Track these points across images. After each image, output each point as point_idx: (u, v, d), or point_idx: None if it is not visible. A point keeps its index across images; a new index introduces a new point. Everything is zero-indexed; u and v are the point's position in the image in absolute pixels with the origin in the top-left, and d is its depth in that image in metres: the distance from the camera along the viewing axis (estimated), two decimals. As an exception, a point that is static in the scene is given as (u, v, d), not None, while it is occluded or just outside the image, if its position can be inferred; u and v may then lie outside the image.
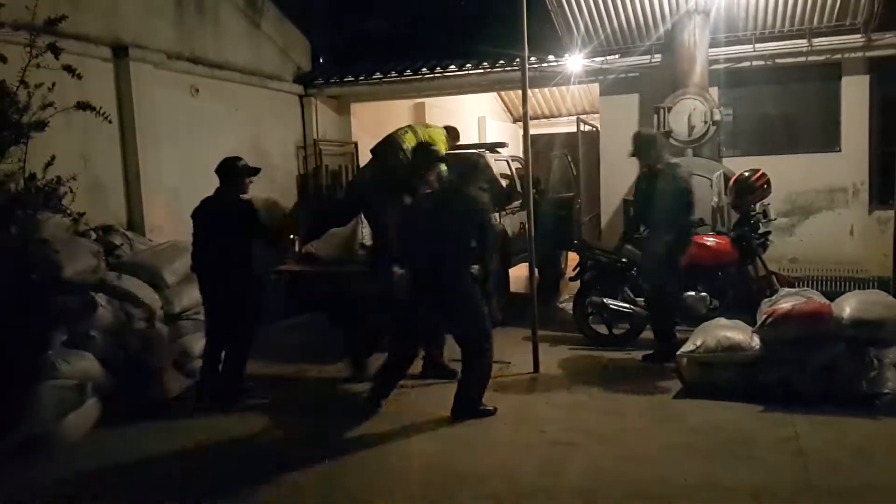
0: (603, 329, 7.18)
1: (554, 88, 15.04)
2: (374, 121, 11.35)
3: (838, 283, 8.46)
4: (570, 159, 9.83)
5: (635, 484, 4.12)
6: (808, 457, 4.36)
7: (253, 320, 5.84)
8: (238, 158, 5.90)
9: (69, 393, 5.18)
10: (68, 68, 5.46)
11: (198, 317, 6.50)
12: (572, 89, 14.10)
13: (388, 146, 8.14)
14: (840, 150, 8.61)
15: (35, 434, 4.85)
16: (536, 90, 15.14)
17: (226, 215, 5.67)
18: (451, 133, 8.39)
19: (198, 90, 8.06)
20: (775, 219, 7.47)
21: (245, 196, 5.85)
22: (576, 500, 3.96)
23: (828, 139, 8.69)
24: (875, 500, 3.83)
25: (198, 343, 6.45)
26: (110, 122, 6.04)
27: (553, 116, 16.84)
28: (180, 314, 6.39)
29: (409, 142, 8.25)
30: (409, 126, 8.44)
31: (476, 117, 15.40)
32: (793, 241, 8.78)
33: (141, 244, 6.82)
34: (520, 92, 15.26)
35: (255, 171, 5.96)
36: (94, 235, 6.52)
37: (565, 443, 4.76)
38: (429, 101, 12.48)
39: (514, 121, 17.75)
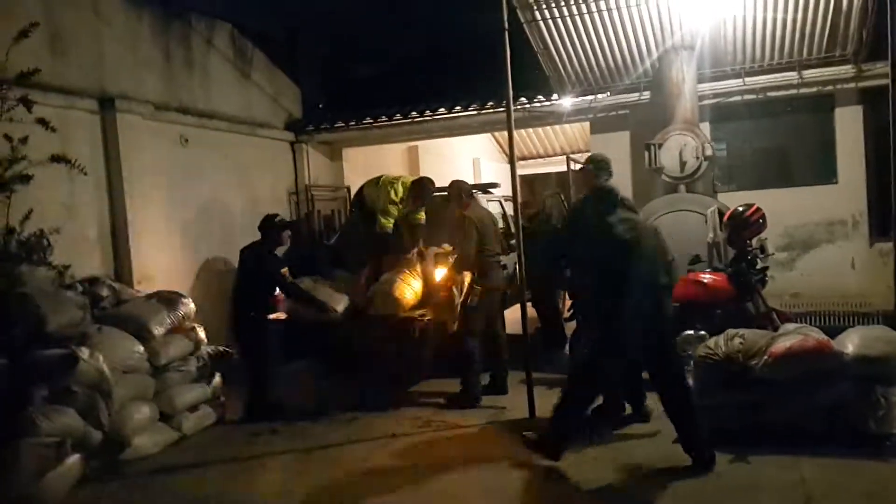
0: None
1: (548, 128, 15.19)
2: (367, 165, 11.32)
3: (842, 318, 8.29)
4: (563, 198, 9.75)
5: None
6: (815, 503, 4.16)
7: (259, 362, 6.46)
8: (275, 215, 6.69)
9: (48, 451, 5.01)
10: (42, 121, 5.42)
11: (185, 368, 6.41)
12: (566, 128, 14.21)
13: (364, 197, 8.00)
14: (837, 182, 8.52)
15: (13, 496, 4.67)
16: (530, 130, 15.20)
17: (253, 265, 6.47)
18: (420, 184, 8.04)
19: (187, 140, 8.00)
20: (773, 253, 7.35)
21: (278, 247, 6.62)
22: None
23: (824, 171, 8.61)
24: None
25: (186, 394, 6.34)
26: (85, 174, 6.07)
27: (548, 156, 16.84)
28: (167, 365, 6.24)
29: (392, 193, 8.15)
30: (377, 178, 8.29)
31: (471, 159, 15.39)
32: (793, 276, 8.65)
33: (128, 295, 6.68)
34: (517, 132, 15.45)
35: (291, 224, 7.00)
36: (80, 288, 6.40)
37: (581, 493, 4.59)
38: (422, 145, 12.47)
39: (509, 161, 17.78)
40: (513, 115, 6.59)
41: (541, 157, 16.95)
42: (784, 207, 8.52)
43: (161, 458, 5.72)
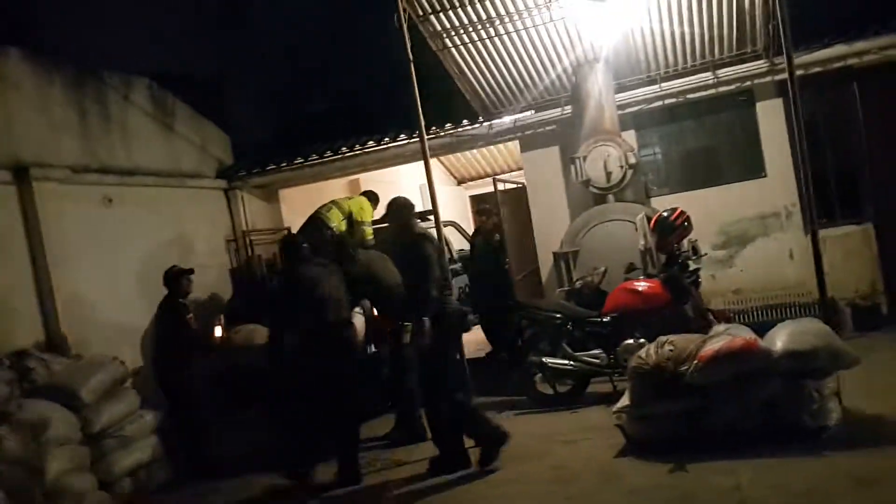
0: (548, 389, 6.98)
1: (492, 147, 15.25)
2: (306, 203, 11.17)
3: (786, 310, 8.34)
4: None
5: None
6: (749, 508, 4.15)
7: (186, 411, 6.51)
8: (172, 267, 6.76)
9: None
10: None
11: (121, 433, 6.27)
12: (509, 146, 14.18)
13: (312, 226, 8.07)
14: (766, 175, 8.61)
15: None
16: (474, 151, 15.21)
17: (160, 316, 6.67)
18: (371, 198, 8.39)
19: (111, 199, 7.85)
20: (706, 254, 7.42)
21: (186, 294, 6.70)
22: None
23: (752, 166, 8.69)
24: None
25: (124, 460, 6.20)
26: None
27: (496, 174, 16.88)
28: (101, 432, 6.10)
29: (334, 218, 8.21)
30: (331, 202, 8.42)
31: (417, 185, 15.37)
32: (734, 273, 8.69)
33: (58, 364, 6.52)
34: (458, 155, 15.44)
35: (187, 271, 6.76)
36: (6, 363, 6.24)
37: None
38: (364, 176, 12.41)
39: (458, 183, 17.81)
40: (427, 143, 6.83)
41: (488, 175, 17.00)
42: (717, 205, 8.61)
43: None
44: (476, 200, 16.54)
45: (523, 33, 7.70)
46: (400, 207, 5.85)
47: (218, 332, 7.97)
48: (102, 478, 6.01)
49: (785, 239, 8.57)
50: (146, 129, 8.75)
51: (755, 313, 8.52)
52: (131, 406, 6.45)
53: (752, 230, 8.67)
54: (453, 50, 7.79)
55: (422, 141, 6.15)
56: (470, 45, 7.74)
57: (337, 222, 8.24)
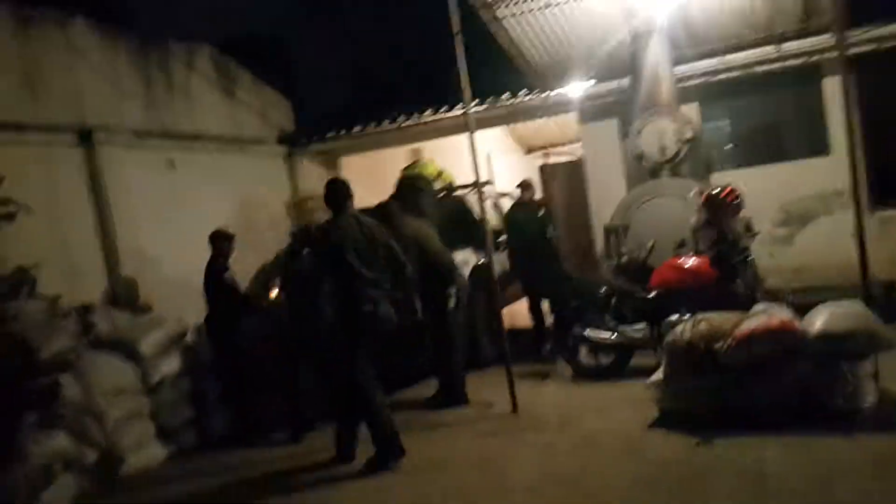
0: (590, 361, 7.01)
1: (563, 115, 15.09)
2: (366, 170, 11.39)
3: (845, 290, 8.08)
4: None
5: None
6: (767, 486, 4.13)
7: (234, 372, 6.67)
8: (216, 229, 6.82)
9: (36, 475, 5.28)
10: None
11: (181, 386, 6.65)
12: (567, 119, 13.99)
13: (410, 184, 8.24)
14: (830, 153, 8.32)
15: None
16: (546, 119, 15.06)
17: (206, 278, 6.69)
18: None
19: (174, 163, 8.20)
20: (758, 232, 7.24)
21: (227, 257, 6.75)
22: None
23: (816, 143, 8.42)
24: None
25: (182, 411, 6.57)
26: (32, 212, 6.24)
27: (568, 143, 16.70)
28: (160, 384, 6.46)
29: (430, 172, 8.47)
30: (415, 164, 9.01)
31: (484, 154, 15.35)
32: (794, 251, 8.48)
33: (121, 319, 6.91)
34: (528, 124, 15.37)
35: (229, 235, 6.85)
36: (74, 316, 6.64)
37: (523, 488, 4.62)
38: (428, 144, 12.49)
39: (527, 152, 17.71)
40: (481, 113, 6.76)
41: (556, 145, 16.85)
42: (779, 182, 8.40)
43: (159, 472, 6.00)
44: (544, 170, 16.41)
45: (577, 3, 7.60)
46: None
47: (274, 293, 8.22)
48: (163, 426, 6.41)
49: (847, 219, 8.24)
50: (208, 95, 9.06)
51: (814, 293, 8.27)
52: (189, 361, 6.80)
53: (813, 209, 8.42)
54: (504, 21, 7.75)
55: (466, 114, 6.19)
56: (521, 16, 7.69)
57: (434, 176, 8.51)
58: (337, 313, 5.46)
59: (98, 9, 7.66)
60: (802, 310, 5.36)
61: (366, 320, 5.29)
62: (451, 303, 6.76)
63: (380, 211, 7.24)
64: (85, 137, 7.25)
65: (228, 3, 9.85)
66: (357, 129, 9.87)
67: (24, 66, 6.85)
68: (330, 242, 5.43)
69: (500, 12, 7.65)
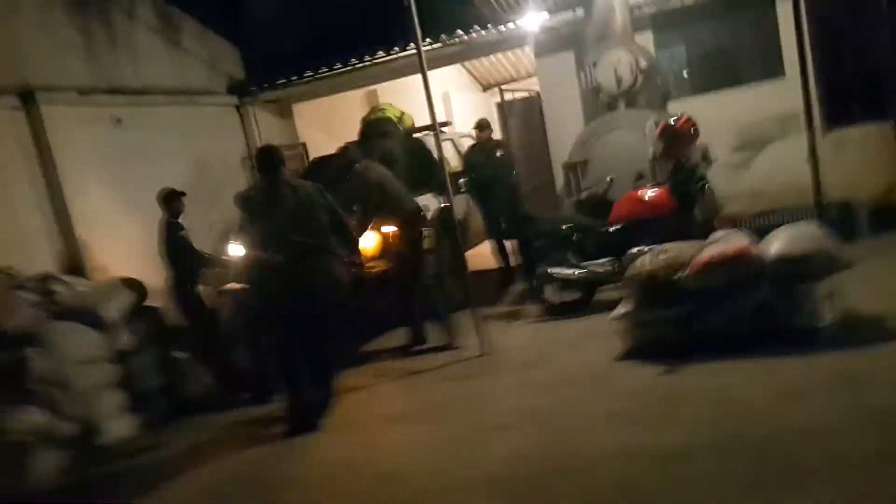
0: (556, 298, 7.07)
1: (517, 50, 14.89)
2: (321, 117, 11.22)
3: (802, 212, 8.22)
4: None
5: (554, 460, 4.06)
6: (734, 407, 4.25)
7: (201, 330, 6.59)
8: (164, 188, 6.63)
9: (13, 452, 5.23)
10: None
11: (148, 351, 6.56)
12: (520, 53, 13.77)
13: (377, 129, 8.19)
14: (785, 76, 8.33)
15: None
16: (499, 55, 14.85)
17: (163, 239, 6.52)
18: None
19: (120, 120, 7.91)
20: (716, 159, 7.29)
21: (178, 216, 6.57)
22: (492, 491, 3.88)
23: (771, 66, 8.41)
24: (788, 443, 3.69)
25: (153, 377, 6.49)
26: None
27: (522, 78, 16.54)
28: (128, 351, 6.38)
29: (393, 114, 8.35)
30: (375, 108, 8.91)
31: (439, 93, 15.15)
32: (750, 176, 8.53)
33: (81, 286, 6.75)
34: (484, 60, 15.01)
35: (179, 193, 6.65)
36: (31, 286, 6.48)
37: (497, 426, 4.70)
38: (382, 86, 12.26)
39: (484, 89, 17.52)
40: (435, 52, 6.62)
41: (514, 80, 16.68)
42: (735, 107, 8.40)
43: (135, 440, 5.94)
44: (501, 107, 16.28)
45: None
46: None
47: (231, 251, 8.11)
48: (135, 393, 6.32)
49: (803, 141, 8.34)
50: (153, 46, 8.71)
51: (772, 217, 8.40)
52: (155, 325, 6.70)
53: (770, 132, 8.45)
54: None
55: (419, 52, 6.15)
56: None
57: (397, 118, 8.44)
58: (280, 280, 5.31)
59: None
60: (761, 234, 5.46)
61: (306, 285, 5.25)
62: (426, 243, 6.71)
63: (340, 157, 7.14)
64: (27, 98, 6.95)
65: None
66: (308, 74, 9.62)
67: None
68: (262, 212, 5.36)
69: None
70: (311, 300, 5.28)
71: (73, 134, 7.30)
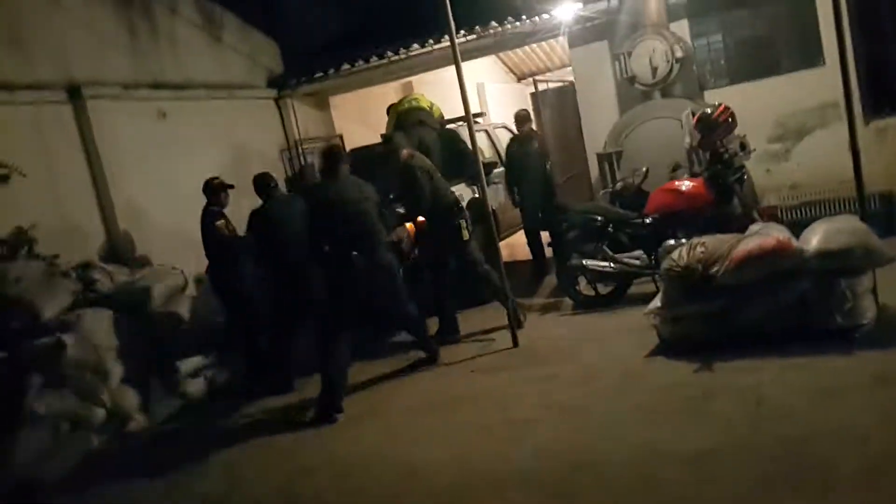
0: (589, 291, 7.06)
1: (552, 41, 14.81)
2: (357, 109, 11.33)
3: (843, 204, 8.08)
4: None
5: (581, 455, 4.08)
6: (765, 406, 4.22)
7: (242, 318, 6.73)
8: (212, 178, 6.80)
9: (44, 434, 5.41)
10: None
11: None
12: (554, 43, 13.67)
13: (411, 119, 8.34)
14: (825, 64, 8.17)
15: (16, 480, 5.05)
16: (534, 46, 14.79)
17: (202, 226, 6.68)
18: None
19: (164, 114, 8.09)
20: (754, 149, 7.18)
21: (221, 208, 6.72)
22: (518, 485, 3.93)
23: (810, 55, 8.25)
24: (822, 445, 3.65)
25: (186, 363, 6.65)
26: (24, 175, 6.27)
27: (557, 68, 16.44)
28: (164, 337, 6.54)
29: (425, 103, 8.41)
30: (408, 99, 8.92)
31: (474, 83, 15.13)
32: (790, 167, 8.41)
33: (121, 274, 6.94)
34: (518, 51, 14.93)
35: (227, 185, 6.79)
36: (73, 274, 6.67)
37: (525, 420, 4.74)
38: (416, 78, 12.30)
39: (519, 79, 17.45)
40: (468, 44, 6.62)
41: (549, 70, 16.59)
42: (774, 97, 8.27)
43: (167, 427, 6.10)
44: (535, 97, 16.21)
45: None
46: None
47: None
48: (169, 380, 6.50)
49: (843, 130, 8.17)
50: (196, 41, 8.88)
51: (812, 209, 8.28)
52: (192, 312, 6.87)
53: (809, 122, 8.31)
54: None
55: (453, 45, 6.15)
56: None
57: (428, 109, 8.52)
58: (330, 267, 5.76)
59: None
60: (801, 227, 5.38)
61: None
62: (465, 234, 6.75)
63: (386, 145, 7.18)
64: (74, 94, 7.14)
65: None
66: (345, 67, 9.69)
67: (7, 24, 6.71)
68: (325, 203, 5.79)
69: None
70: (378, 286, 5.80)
71: (117, 127, 7.48)
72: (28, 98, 6.78)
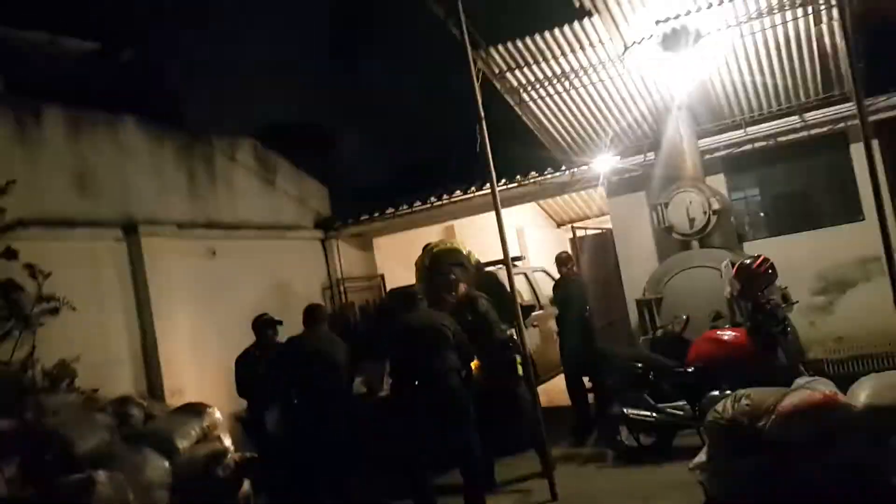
0: (631, 441, 6.87)
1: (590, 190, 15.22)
2: (399, 250, 11.59)
3: (890, 359, 7.91)
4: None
5: None
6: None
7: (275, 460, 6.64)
8: (262, 315, 7.05)
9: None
10: (29, 266, 5.91)
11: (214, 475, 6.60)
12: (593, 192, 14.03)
13: (446, 265, 8.29)
14: (864, 219, 8.26)
15: None
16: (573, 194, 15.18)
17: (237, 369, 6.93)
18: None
19: (214, 252, 8.41)
20: (796, 302, 7.14)
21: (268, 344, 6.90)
22: None
23: (849, 209, 8.38)
24: None
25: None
26: (74, 309, 6.38)
27: (596, 216, 16.79)
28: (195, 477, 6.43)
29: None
30: (443, 242, 9.04)
31: (514, 229, 15.45)
32: (834, 320, 8.33)
33: (157, 411, 6.94)
34: (558, 198, 15.36)
35: (276, 321, 7.05)
36: (109, 409, 6.69)
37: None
38: (458, 222, 12.64)
39: (558, 225, 17.79)
40: (508, 192, 6.87)
41: (587, 217, 16.93)
42: (814, 250, 8.33)
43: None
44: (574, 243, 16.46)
45: (598, 85, 7.79)
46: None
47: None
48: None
49: (887, 284, 8.14)
50: (250, 185, 9.37)
51: (859, 362, 8.11)
52: (223, 452, 6.78)
53: (851, 275, 8.31)
54: (530, 103, 7.95)
55: (493, 192, 6.35)
56: (546, 98, 7.89)
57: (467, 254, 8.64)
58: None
59: (147, 108, 8.00)
60: (847, 381, 5.25)
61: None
62: (520, 370, 6.68)
63: (440, 277, 7.32)
64: (130, 231, 7.50)
65: (269, 96, 10.20)
66: (389, 210, 10.05)
67: (75, 165, 7.19)
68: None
69: (525, 95, 7.85)
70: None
71: (168, 263, 7.77)
72: (86, 234, 7.12)
